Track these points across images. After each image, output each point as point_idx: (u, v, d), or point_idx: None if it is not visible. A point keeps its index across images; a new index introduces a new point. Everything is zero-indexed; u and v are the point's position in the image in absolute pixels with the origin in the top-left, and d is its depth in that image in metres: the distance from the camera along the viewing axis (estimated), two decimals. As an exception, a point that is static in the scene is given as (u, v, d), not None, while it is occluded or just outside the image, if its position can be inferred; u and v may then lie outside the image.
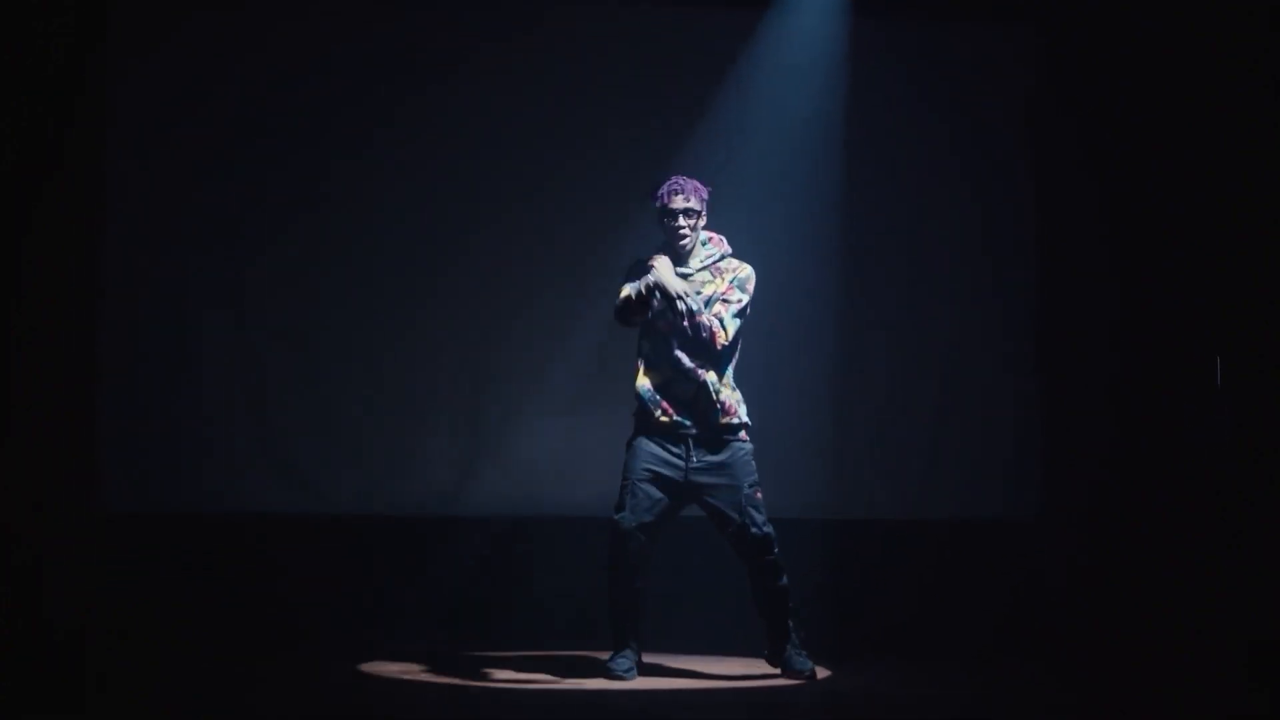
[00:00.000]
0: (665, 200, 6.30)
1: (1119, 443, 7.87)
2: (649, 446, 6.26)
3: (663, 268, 6.22)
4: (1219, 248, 7.66)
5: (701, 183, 6.35)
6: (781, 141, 7.71)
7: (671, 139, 7.65)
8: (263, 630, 7.24)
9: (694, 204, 6.28)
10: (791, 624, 6.35)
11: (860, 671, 6.58)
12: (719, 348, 6.23)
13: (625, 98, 7.82)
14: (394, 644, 6.96)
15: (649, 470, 6.23)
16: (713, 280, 6.31)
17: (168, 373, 7.52)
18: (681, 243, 6.29)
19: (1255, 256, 7.52)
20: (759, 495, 6.28)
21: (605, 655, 6.33)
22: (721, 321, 6.22)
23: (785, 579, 6.33)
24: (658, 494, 6.23)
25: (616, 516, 6.21)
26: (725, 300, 6.27)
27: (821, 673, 6.41)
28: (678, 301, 6.14)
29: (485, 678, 6.28)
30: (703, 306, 6.22)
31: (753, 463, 6.31)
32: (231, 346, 7.58)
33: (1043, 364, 8.01)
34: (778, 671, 6.36)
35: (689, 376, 6.22)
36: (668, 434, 6.25)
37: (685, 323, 6.17)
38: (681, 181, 6.31)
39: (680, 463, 6.24)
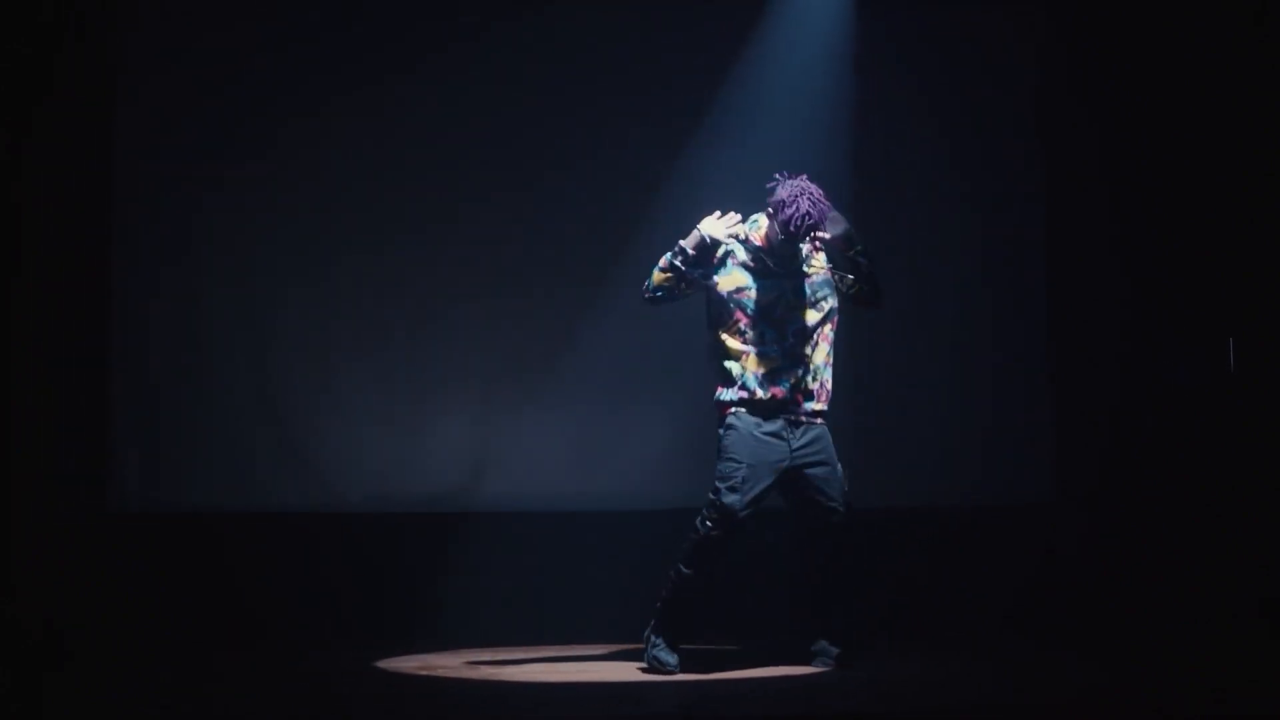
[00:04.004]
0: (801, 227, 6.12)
1: (1130, 426, 7.86)
2: (754, 429, 6.16)
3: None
4: (1230, 231, 7.65)
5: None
6: (789, 131, 7.66)
7: (679, 123, 7.65)
8: (277, 629, 7.23)
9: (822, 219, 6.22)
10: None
11: (882, 657, 6.57)
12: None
13: (633, 84, 7.79)
14: (409, 641, 6.95)
15: (759, 456, 6.13)
16: (811, 259, 6.30)
17: (180, 371, 7.49)
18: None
19: (1267, 241, 7.51)
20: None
21: (634, 648, 6.23)
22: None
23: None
24: (767, 480, 6.15)
25: (728, 500, 6.06)
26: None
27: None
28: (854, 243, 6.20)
29: (501, 673, 6.25)
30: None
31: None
32: (242, 343, 7.53)
33: (1053, 348, 8.00)
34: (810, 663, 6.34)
35: (801, 364, 6.19)
36: (771, 417, 6.18)
37: (866, 266, 6.25)
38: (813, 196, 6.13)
39: (784, 445, 6.18)
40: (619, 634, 6.63)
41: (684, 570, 6.13)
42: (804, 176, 6.15)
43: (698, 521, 6.12)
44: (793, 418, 6.19)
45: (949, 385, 7.93)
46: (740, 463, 6.12)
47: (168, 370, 7.48)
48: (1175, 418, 7.78)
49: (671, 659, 6.13)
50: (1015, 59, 8.03)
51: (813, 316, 6.23)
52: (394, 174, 7.67)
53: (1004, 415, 7.94)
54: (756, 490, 6.11)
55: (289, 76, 7.60)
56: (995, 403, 7.94)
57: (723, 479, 6.12)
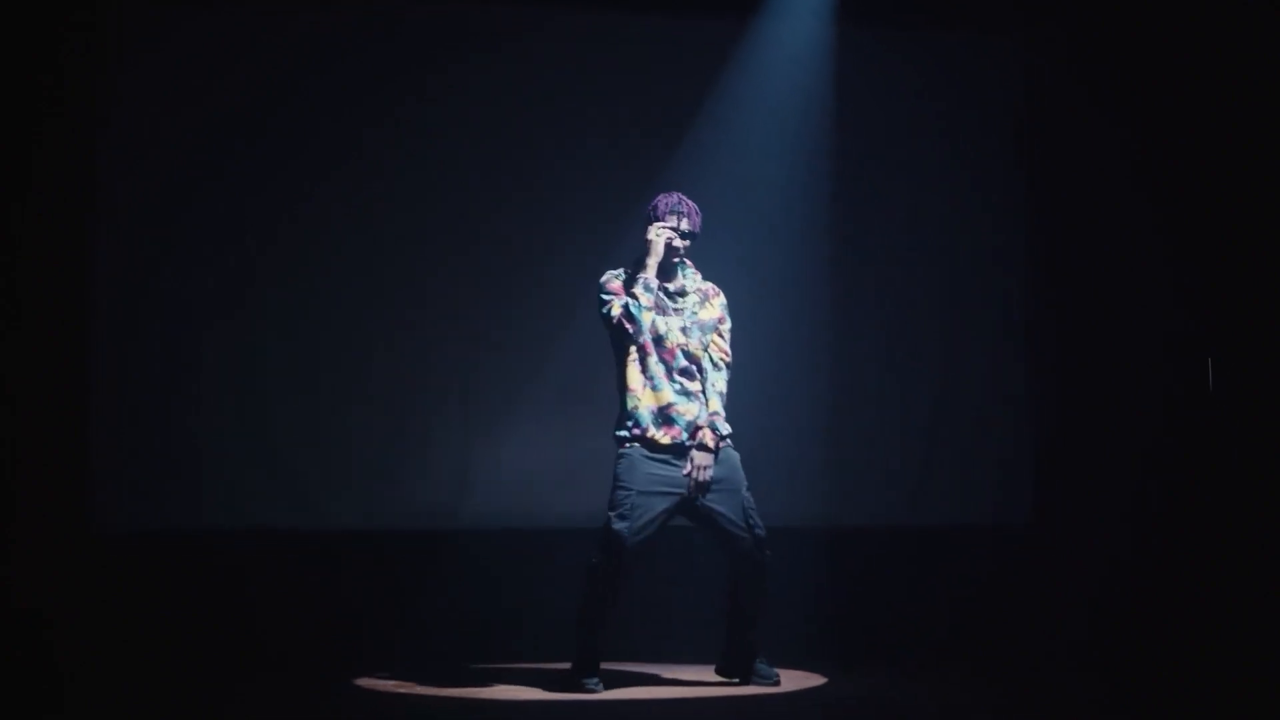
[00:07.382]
0: (663, 216, 6.27)
1: (1110, 447, 7.91)
2: (649, 458, 6.21)
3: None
4: (1210, 251, 7.71)
5: (698, 207, 6.35)
6: (769, 151, 7.74)
7: (659, 147, 7.67)
8: (257, 646, 7.19)
9: (695, 228, 6.30)
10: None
11: (855, 678, 6.61)
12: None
13: (613, 106, 7.82)
14: (390, 658, 6.97)
15: (651, 483, 6.18)
16: (704, 305, 6.32)
17: (161, 389, 7.45)
18: (675, 259, 6.29)
19: (1247, 258, 7.57)
20: (751, 498, 6.30)
21: (618, 667, 6.27)
22: (725, 363, 6.31)
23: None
24: (660, 508, 6.19)
25: (616, 527, 6.11)
26: (720, 331, 6.32)
27: (816, 679, 6.43)
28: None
29: (481, 692, 6.29)
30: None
31: (741, 467, 6.32)
32: (224, 363, 7.51)
33: (1033, 369, 8.05)
34: (735, 680, 6.37)
35: (693, 398, 6.23)
36: (668, 449, 6.23)
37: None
38: (687, 204, 6.30)
39: (678, 470, 6.21)
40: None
41: (583, 602, 6.19)
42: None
43: (593, 551, 6.18)
44: (685, 448, 6.22)
45: (929, 406, 7.97)
46: (630, 490, 6.16)
47: (149, 389, 7.44)
48: (1156, 438, 7.83)
49: (592, 680, 6.16)
50: (996, 83, 8.11)
51: (700, 348, 6.29)
52: (379, 190, 7.67)
53: (984, 436, 7.99)
54: (647, 517, 6.14)
55: (275, 99, 7.56)
56: (976, 423, 7.99)
57: (612, 507, 6.17)
